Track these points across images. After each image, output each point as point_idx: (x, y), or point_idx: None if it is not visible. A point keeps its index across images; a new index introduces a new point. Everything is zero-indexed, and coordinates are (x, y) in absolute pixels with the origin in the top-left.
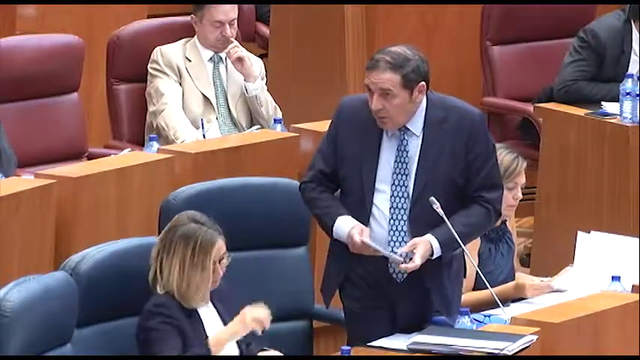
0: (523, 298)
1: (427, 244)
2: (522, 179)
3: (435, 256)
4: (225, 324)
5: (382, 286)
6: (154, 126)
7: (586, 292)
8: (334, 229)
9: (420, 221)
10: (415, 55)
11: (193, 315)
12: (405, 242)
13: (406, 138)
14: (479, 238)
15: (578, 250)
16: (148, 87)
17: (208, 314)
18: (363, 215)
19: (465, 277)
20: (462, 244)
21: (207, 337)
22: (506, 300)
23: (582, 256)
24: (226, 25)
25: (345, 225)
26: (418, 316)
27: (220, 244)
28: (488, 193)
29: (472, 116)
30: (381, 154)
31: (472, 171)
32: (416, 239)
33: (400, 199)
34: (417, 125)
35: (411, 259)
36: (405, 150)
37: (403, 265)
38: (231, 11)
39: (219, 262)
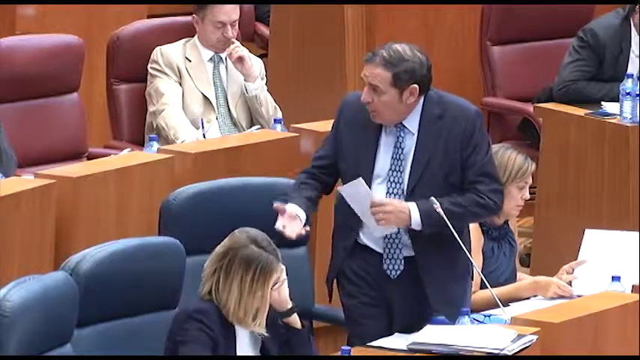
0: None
1: (403, 205)
2: (530, 180)
3: (413, 226)
4: (263, 343)
5: (377, 282)
6: (154, 126)
7: (588, 291)
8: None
9: None
10: (415, 56)
11: (231, 334)
12: (399, 239)
13: (402, 135)
14: (482, 237)
15: (583, 246)
16: (148, 87)
17: (243, 333)
18: None
19: (472, 278)
20: (435, 221)
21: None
22: (521, 298)
23: (587, 254)
24: (228, 26)
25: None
26: (416, 314)
27: (278, 271)
28: (482, 185)
29: (468, 113)
30: (378, 151)
31: (466, 166)
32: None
33: (395, 195)
34: (413, 122)
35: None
36: (400, 147)
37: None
38: (233, 13)
39: (273, 287)
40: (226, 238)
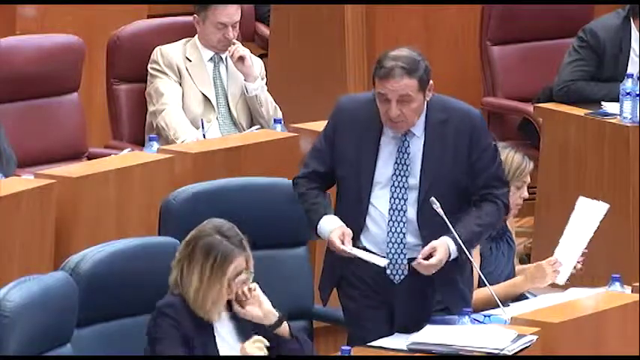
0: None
1: (446, 247)
2: (529, 179)
3: (451, 258)
4: (241, 330)
5: (380, 286)
6: (154, 126)
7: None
8: (318, 227)
9: (426, 223)
10: (420, 55)
11: (206, 328)
12: (404, 244)
13: (407, 139)
14: None
15: (573, 217)
16: (147, 87)
17: (225, 329)
18: (360, 216)
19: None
20: (470, 246)
21: (218, 353)
22: (518, 294)
23: (576, 220)
24: (229, 28)
25: (328, 225)
26: (416, 316)
27: (239, 261)
28: (497, 189)
29: (472, 117)
30: (379, 156)
31: (476, 171)
32: (434, 242)
33: (400, 200)
34: (418, 126)
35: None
36: (406, 152)
37: (424, 263)
38: (235, 14)
39: (235, 279)
40: (195, 228)
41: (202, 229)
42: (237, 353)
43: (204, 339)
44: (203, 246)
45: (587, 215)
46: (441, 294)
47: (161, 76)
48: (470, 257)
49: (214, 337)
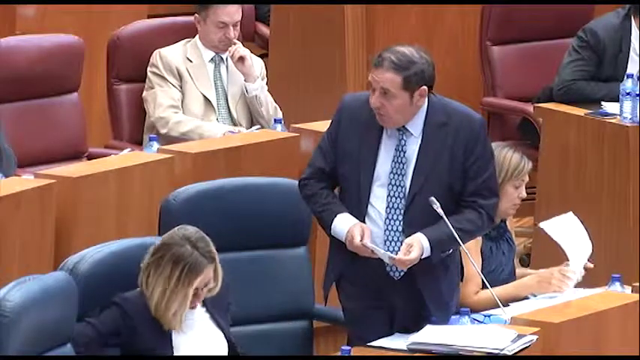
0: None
1: (420, 245)
2: (527, 178)
3: (424, 256)
4: (218, 325)
5: (380, 285)
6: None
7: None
8: (333, 226)
9: (415, 222)
10: (422, 58)
11: (164, 335)
12: (401, 242)
13: (405, 138)
14: (480, 237)
15: (554, 237)
16: (145, 91)
17: (200, 322)
18: (359, 214)
19: (462, 279)
20: (460, 243)
21: (172, 352)
22: (525, 296)
23: (562, 240)
24: (230, 27)
25: (345, 223)
26: (417, 315)
27: (207, 272)
28: (484, 199)
29: (473, 122)
30: (379, 154)
31: (468, 176)
32: (408, 240)
33: (397, 198)
34: (416, 126)
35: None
36: (402, 150)
37: (398, 257)
38: (236, 13)
39: (202, 289)
40: (166, 234)
41: (173, 238)
42: (216, 340)
43: (159, 340)
44: (172, 255)
45: (566, 229)
46: (425, 296)
47: (161, 83)
48: (467, 254)
49: (170, 337)
